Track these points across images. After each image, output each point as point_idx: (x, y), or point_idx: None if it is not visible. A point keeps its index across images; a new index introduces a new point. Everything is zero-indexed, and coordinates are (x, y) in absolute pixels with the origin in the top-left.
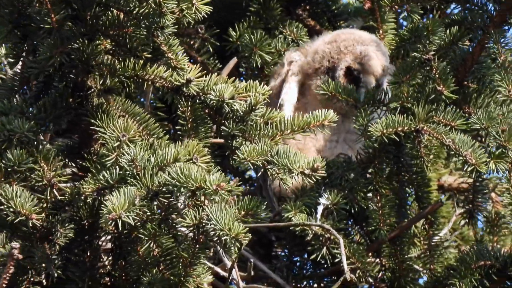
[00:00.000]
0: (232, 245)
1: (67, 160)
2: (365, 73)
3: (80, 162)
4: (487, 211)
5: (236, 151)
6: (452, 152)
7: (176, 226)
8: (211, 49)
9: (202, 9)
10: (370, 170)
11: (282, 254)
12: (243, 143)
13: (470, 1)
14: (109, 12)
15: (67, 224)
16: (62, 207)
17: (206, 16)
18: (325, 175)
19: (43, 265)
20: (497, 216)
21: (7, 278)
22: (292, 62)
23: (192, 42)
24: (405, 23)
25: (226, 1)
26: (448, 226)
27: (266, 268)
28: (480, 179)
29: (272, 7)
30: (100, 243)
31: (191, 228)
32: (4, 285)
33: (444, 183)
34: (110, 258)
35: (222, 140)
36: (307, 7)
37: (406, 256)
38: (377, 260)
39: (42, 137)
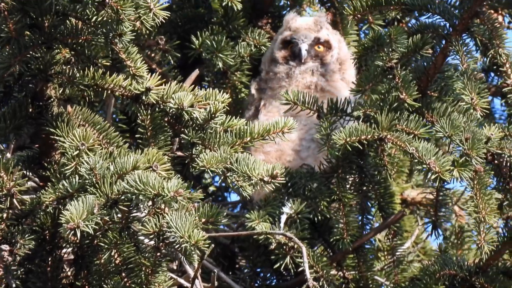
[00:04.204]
0: (192, 252)
1: (28, 170)
2: (296, 32)
3: (41, 172)
4: (450, 224)
5: (196, 158)
6: (416, 160)
7: (137, 234)
8: (172, 61)
9: (160, 14)
10: (333, 180)
11: (246, 265)
12: (203, 151)
13: (432, 9)
14: (67, 21)
15: (27, 235)
16: (23, 217)
17: (168, 28)
18: (285, 182)
19: (2, 275)
20: (461, 230)
21: None
22: (262, 89)
23: (153, 55)
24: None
25: (188, 14)
26: (411, 239)
27: (230, 279)
28: (443, 192)
29: (235, 18)
30: (62, 253)
31: (152, 236)
32: None
33: (407, 197)
34: (72, 268)
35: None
36: (269, 20)
37: (369, 267)
38: (340, 273)
39: (2, 147)
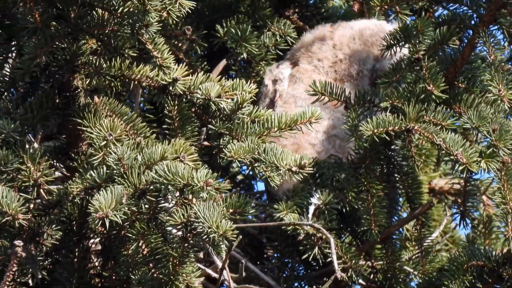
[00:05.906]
0: (220, 242)
1: (54, 161)
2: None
3: (68, 162)
4: (478, 214)
5: (223, 149)
6: (443, 152)
7: (165, 225)
8: (199, 51)
9: (186, 5)
10: (361, 171)
11: (274, 255)
12: (230, 141)
13: (459, 0)
14: (93, 12)
15: (54, 225)
16: (50, 208)
17: (195, 18)
18: (313, 171)
19: (28, 266)
20: (489, 219)
21: (11, 275)
22: (277, 80)
23: (179, 44)
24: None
25: (214, 4)
26: (439, 229)
27: (258, 269)
28: (471, 181)
29: (262, 7)
30: (89, 244)
31: (180, 227)
32: (7, 283)
33: (435, 186)
34: (99, 259)
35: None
36: (297, 10)
37: (397, 258)
38: (368, 263)
39: (30, 138)
